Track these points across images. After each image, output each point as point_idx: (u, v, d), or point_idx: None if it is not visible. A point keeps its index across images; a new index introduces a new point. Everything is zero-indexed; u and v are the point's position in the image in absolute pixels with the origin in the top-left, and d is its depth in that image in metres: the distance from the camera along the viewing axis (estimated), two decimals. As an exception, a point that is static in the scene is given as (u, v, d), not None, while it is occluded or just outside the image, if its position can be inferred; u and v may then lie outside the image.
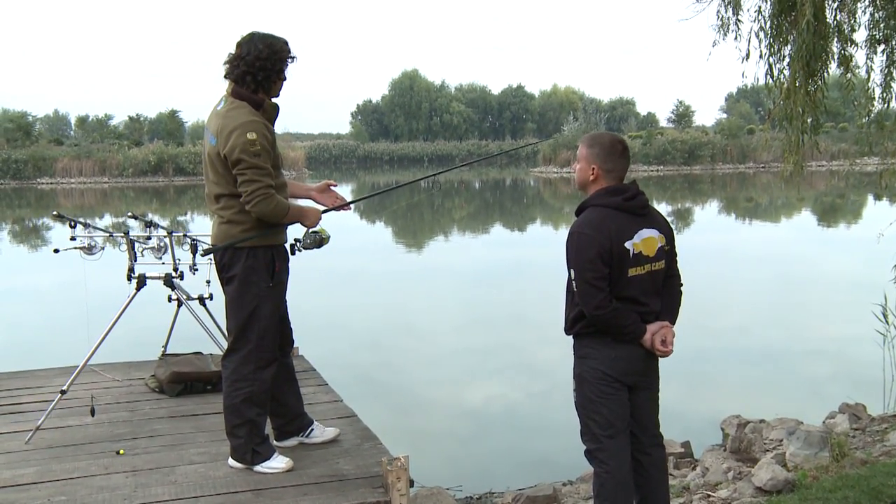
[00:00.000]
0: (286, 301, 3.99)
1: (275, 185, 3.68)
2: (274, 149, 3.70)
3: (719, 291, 12.32)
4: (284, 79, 3.75)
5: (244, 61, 3.62)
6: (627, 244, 3.10)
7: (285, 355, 4.10)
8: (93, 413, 4.60)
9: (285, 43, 3.70)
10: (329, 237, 3.99)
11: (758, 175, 45.70)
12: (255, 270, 3.72)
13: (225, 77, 3.73)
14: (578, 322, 3.20)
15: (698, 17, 5.64)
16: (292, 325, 4.14)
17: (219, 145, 3.61)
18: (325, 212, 4.04)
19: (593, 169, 3.24)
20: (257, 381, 3.79)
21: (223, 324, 4.21)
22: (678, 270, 3.36)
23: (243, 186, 3.59)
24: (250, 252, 3.71)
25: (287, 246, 3.91)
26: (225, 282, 3.81)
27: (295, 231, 3.96)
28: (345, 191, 29.28)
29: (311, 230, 3.94)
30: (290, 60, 3.73)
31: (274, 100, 3.79)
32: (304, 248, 3.96)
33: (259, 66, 3.62)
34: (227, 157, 3.58)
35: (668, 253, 3.25)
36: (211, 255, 3.91)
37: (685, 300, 3.35)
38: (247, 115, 3.60)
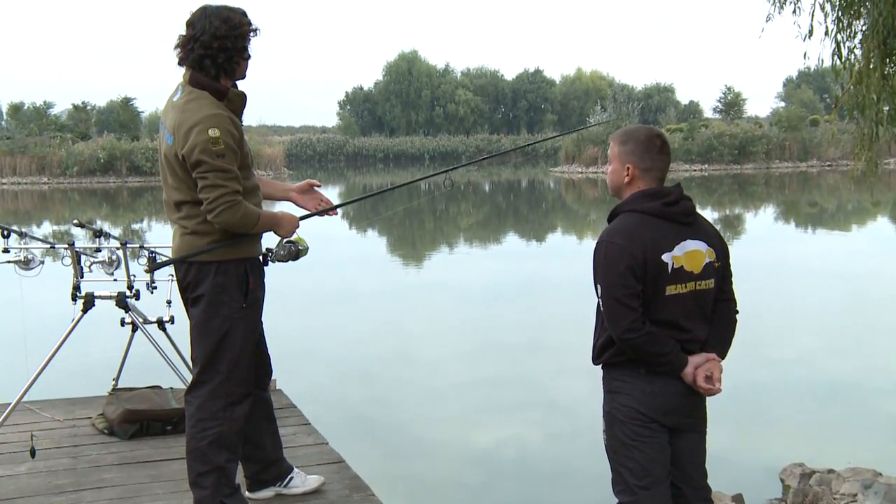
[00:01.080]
0: (262, 323, 3.99)
1: (244, 188, 3.68)
2: (242, 146, 3.70)
3: (777, 314, 12.28)
4: (248, 57, 3.76)
5: (199, 42, 3.61)
6: (665, 257, 3.10)
7: (262, 389, 4.10)
8: (33, 454, 4.59)
9: (244, 14, 3.71)
10: (307, 248, 4.00)
11: (823, 175, 45.69)
12: (225, 288, 3.72)
13: (179, 64, 3.72)
14: (607, 349, 3.19)
15: (750, -15, 5.66)
16: (270, 353, 4.14)
17: (176, 144, 3.60)
18: (304, 218, 4.05)
19: (628, 169, 3.24)
20: (227, 419, 3.78)
21: (186, 352, 4.22)
22: (733, 294, 3.34)
23: (205, 192, 3.58)
24: (220, 267, 3.71)
25: (261, 257, 3.92)
26: (190, 302, 3.81)
27: (269, 238, 3.97)
28: (331, 194, 29.32)
29: (285, 240, 3.95)
30: (252, 34, 3.74)
31: (240, 85, 3.80)
32: (277, 260, 3.97)
33: (218, 47, 3.61)
34: (186, 159, 3.58)
35: (718, 271, 3.23)
36: (173, 272, 3.92)
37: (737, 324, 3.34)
38: (208, 107, 3.60)
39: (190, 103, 3.62)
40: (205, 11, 3.65)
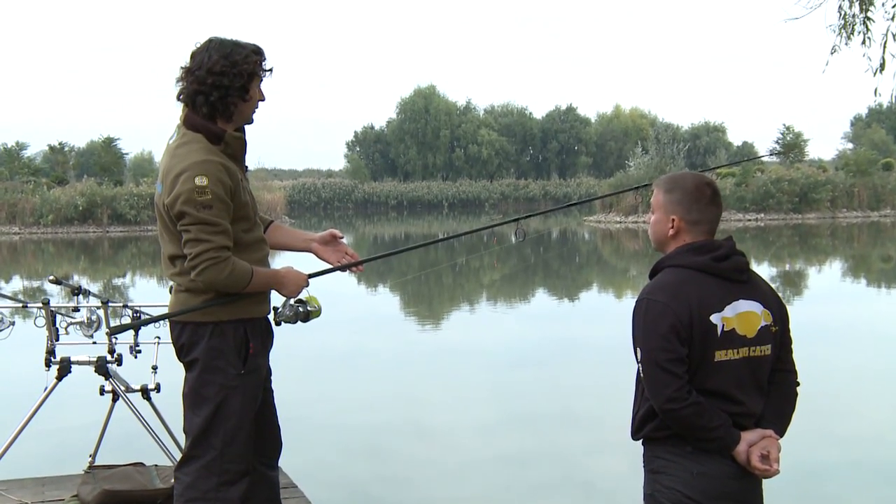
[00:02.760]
0: (272, 390, 4.00)
1: (242, 242, 3.71)
2: (237, 196, 3.72)
3: (846, 384, 12.16)
4: (260, 99, 3.80)
5: (194, 77, 3.67)
6: (714, 317, 3.11)
7: (269, 467, 4.11)
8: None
9: (254, 51, 3.74)
10: (319, 310, 3.99)
11: (897, 225, 45.47)
12: (221, 353, 3.74)
13: (178, 99, 3.78)
14: (649, 422, 3.19)
15: (812, 15, 5.71)
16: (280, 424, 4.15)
17: (164, 193, 3.66)
18: (315, 275, 4.06)
19: (673, 221, 3.27)
20: (221, 501, 3.77)
21: (173, 424, 4.23)
22: (793, 363, 3.35)
23: (188, 247, 3.61)
24: (215, 329, 3.74)
25: (270, 317, 3.95)
26: (186, 367, 3.83)
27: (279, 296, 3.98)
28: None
29: (291, 300, 3.96)
30: (263, 74, 3.78)
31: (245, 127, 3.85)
32: (284, 321, 3.98)
33: (212, 84, 3.64)
34: (169, 209, 3.62)
35: (776, 336, 3.24)
36: (160, 334, 3.96)
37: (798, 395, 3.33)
38: (198, 152, 3.64)
39: (180, 147, 3.67)
40: (209, 44, 3.70)
